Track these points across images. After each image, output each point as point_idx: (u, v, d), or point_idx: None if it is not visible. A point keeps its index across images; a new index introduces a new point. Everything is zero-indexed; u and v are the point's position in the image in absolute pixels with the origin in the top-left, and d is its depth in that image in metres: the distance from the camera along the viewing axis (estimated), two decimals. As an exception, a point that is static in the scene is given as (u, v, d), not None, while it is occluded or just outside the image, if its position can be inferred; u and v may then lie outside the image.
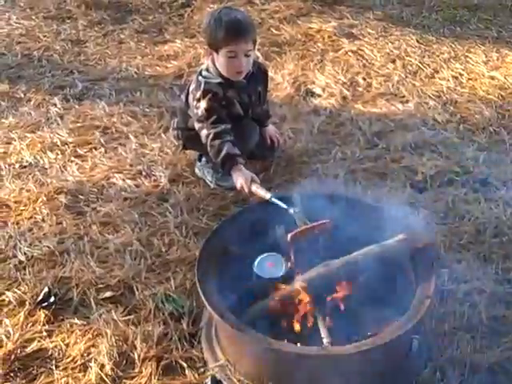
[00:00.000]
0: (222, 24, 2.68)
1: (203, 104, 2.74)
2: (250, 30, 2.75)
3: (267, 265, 2.14)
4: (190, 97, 2.85)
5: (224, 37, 2.67)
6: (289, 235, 2.14)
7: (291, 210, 2.25)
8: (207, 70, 2.83)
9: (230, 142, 2.66)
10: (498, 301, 2.32)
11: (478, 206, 2.76)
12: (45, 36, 4.30)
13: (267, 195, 2.39)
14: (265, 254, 2.16)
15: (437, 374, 2.07)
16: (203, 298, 2.02)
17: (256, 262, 2.14)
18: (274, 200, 2.33)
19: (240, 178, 2.58)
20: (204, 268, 2.12)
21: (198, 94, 2.77)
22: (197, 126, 2.78)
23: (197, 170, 3.01)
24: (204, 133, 2.72)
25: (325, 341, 1.94)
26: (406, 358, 2.08)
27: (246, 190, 2.54)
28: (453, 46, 4.03)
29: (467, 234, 2.61)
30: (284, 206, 2.27)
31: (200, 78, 2.81)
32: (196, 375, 2.12)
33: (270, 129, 3.11)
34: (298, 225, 2.20)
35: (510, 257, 2.50)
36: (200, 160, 3.00)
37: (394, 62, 3.88)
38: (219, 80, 2.78)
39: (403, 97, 3.55)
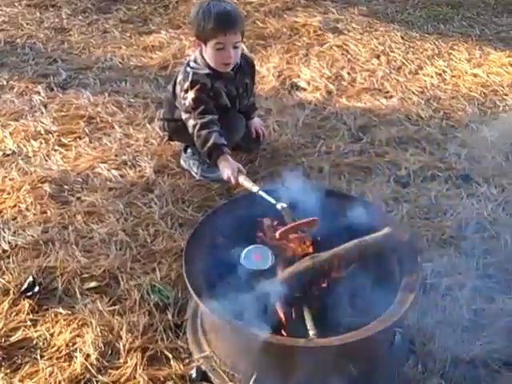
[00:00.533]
0: (211, 15, 2.68)
1: (191, 94, 2.74)
2: (239, 22, 2.76)
3: (254, 257, 2.14)
4: (178, 88, 2.85)
5: (213, 28, 2.68)
6: (277, 232, 2.14)
7: (279, 206, 2.23)
8: (195, 61, 2.83)
9: (216, 132, 2.67)
10: (479, 295, 2.35)
11: (460, 201, 2.81)
12: (28, 24, 4.27)
13: (254, 188, 2.38)
14: (251, 246, 2.16)
15: (418, 367, 2.10)
16: (191, 289, 2.02)
17: (243, 254, 2.14)
18: (262, 193, 2.31)
19: (226, 169, 2.58)
20: (191, 259, 2.12)
21: (186, 85, 2.77)
22: (184, 116, 2.78)
23: (182, 162, 3.01)
24: (191, 123, 2.72)
25: (311, 333, 1.95)
26: (388, 351, 2.11)
27: (233, 181, 2.55)
28: (436, 43, 4.07)
29: (449, 228, 2.65)
30: (272, 200, 2.26)
31: (188, 68, 2.81)
32: (181, 366, 2.13)
33: (256, 121, 3.12)
34: (286, 220, 2.20)
35: (490, 252, 2.54)
36: (186, 151, 3.00)
37: (378, 57, 3.91)
38: (207, 71, 2.78)
39: (387, 92, 3.59)
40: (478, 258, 2.50)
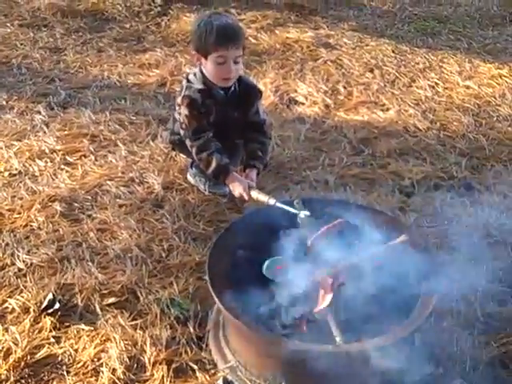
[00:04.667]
0: (213, 28, 2.64)
1: (184, 111, 2.73)
2: (241, 36, 2.73)
3: (276, 268, 2.19)
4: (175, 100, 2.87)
5: (214, 41, 2.64)
6: (309, 241, 2.16)
7: (302, 215, 2.25)
8: (194, 74, 2.82)
9: (216, 152, 2.67)
10: (491, 299, 2.43)
11: (465, 209, 2.88)
12: (22, 44, 4.29)
13: (271, 201, 2.41)
14: (273, 257, 2.21)
15: (440, 369, 2.16)
16: (217, 299, 2.06)
17: (265, 265, 2.19)
18: (280, 205, 2.34)
19: (237, 187, 2.60)
20: (214, 271, 2.16)
21: (179, 99, 2.77)
22: (181, 132, 2.79)
23: (189, 177, 3.04)
24: (188, 143, 2.75)
25: (337, 339, 2.00)
26: (409, 354, 2.16)
27: (246, 198, 2.56)
28: (426, 56, 4.18)
29: (456, 236, 2.71)
30: (293, 210, 2.27)
31: (184, 81, 2.82)
32: (207, 377, 2.16)
33: (252, 175, 2.81)
34: (310, 229, 2.22)
35: (498, 257, 2.61)
36: (192, 167, 3.03)
37: (371, 71, 4.00)
38: (200, 87, 2.75)
39: (383, 105, 3.67)
40: (487, 263, 2.58)
